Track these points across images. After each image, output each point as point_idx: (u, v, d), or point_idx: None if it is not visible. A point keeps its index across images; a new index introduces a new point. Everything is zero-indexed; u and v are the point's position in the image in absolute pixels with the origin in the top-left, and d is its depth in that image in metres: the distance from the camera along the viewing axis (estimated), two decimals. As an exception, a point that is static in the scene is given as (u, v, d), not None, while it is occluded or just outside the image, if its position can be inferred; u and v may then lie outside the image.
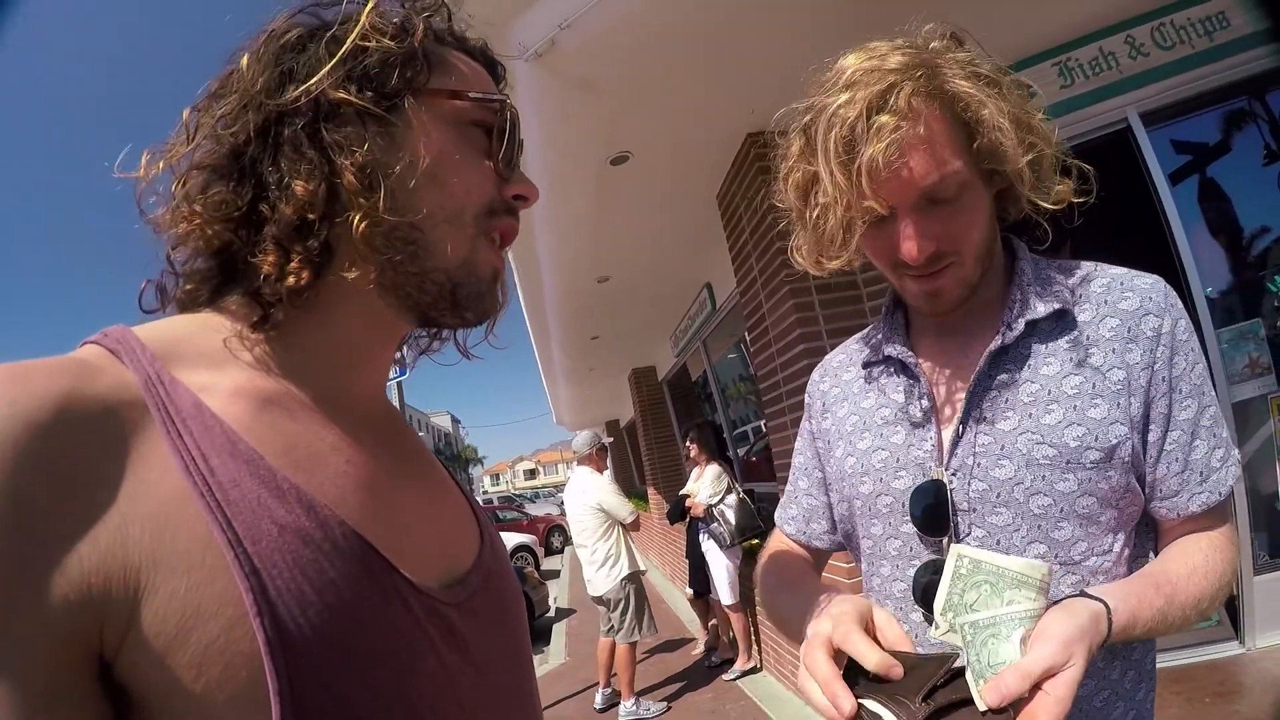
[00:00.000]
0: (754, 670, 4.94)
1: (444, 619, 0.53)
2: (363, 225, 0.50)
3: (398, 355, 0.68)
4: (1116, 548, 0.82)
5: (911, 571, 0.87)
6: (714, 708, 4.52)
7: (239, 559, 0.41)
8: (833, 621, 0.68)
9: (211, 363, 0.50)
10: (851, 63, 0.81)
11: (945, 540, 0.84)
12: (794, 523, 1.10)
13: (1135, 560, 0.85)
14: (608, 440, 5.13)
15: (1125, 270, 0.88)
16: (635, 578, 4.68)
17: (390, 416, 0.65)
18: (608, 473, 4.95)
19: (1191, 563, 0.81)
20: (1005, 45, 3.08)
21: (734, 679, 4.88)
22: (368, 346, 0.60)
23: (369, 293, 0.55)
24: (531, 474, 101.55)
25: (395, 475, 0.58)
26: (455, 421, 63.62)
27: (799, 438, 1.12)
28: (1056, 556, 0.80)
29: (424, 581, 0.52)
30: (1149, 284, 0.85)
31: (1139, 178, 3.19)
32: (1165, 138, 3.31)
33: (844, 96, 0.78)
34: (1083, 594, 0.73)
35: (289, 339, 0.55)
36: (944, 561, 0.79)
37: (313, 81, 0.51)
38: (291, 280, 0.51)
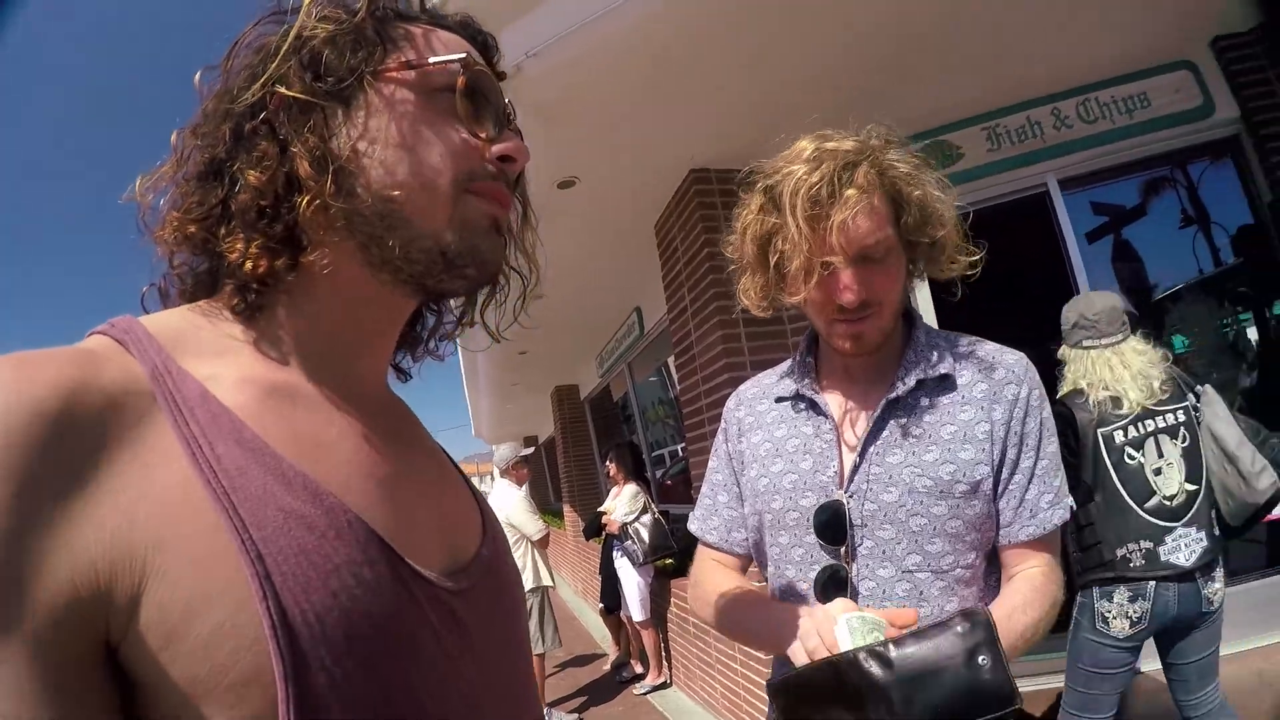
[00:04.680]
0: (664, 685, 5.05)
1: (446, 606, 0.53)
2: (310, 207, 0.51)
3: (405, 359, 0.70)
4: (976, 562, 1.04)
5: (813, 575, 1.06)
6: (623, 721, 4.60)
7: (244, 544, 0.42)
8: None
9: (217, 352, 0.51)
10: (809, 144, 1.00)
11: (842, 549, 1.03)
12: (716, 533, 1.25)
13: (990, 575, 1.07)
14: (527, 451, 5.14)
15: (998, 345, 1.10)
16: (540, 591, 4.65)
17: (394, 404, 0.66)
18: (525, 486, 4.94)
19: (1018, 590, 1.02)
20: (937, 107, 3.32)
21: (644, 693, 4.99)
22: (367, 330, 0.60)
23: (360, 274, 0.55)
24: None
25: (400, 463, 0.58)
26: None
27: (714, 456, 1.28)
28: (929, 565, 1.00)
29: (427, 569, 0.53)
30: (1015, 359, 1.08)
31: (1051, 238, 3.48)
32: (1084, 200, 3.58)
33: (809, 167, 0.96)
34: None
35: (290, 326, 0.55)
36: (840, 566, 1.02)
37: (265, 77, 0.52)
38: (249, 265, 0.51)
